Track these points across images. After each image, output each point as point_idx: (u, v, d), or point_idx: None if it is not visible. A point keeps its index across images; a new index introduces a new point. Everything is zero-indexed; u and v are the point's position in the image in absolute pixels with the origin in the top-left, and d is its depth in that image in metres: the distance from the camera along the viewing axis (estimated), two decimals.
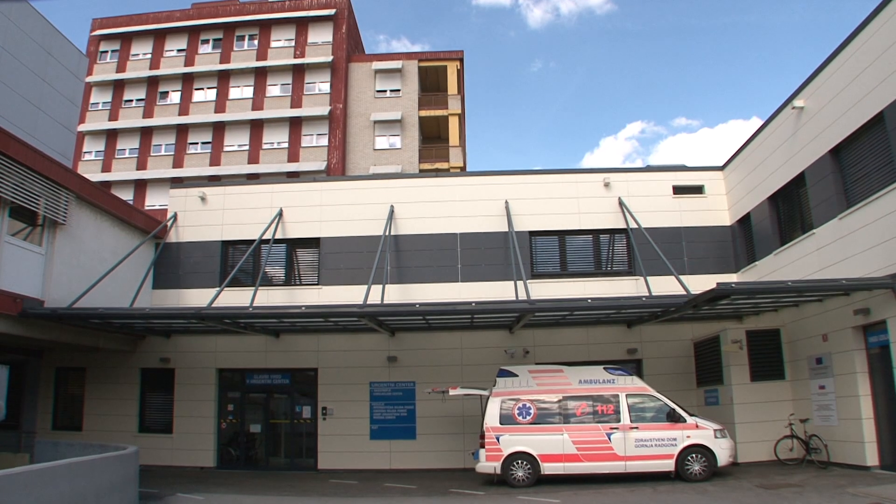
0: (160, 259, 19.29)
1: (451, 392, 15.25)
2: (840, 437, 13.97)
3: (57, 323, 15.45)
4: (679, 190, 19.36)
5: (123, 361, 19.08)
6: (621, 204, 18.93)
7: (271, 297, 18.66)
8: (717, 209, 19.26)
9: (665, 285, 17.22)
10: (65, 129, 18.30)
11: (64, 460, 9.19)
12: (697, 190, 19.43)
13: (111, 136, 38.47)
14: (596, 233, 19.14)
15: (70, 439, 16.26)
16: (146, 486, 13.20)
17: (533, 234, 19.02)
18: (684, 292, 15.62)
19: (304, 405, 18.61)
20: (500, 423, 14.21)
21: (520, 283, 16.55)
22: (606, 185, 19.20)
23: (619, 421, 13.90)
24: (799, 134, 15.53)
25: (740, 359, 16.14)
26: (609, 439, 13.75)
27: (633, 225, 18.42)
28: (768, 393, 15.91)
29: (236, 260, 19.16)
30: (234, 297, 17.90)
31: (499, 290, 17.85)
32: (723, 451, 13.63)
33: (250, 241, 18.89)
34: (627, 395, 14.14)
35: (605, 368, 14.81)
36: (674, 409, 13.91)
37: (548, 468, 13.85)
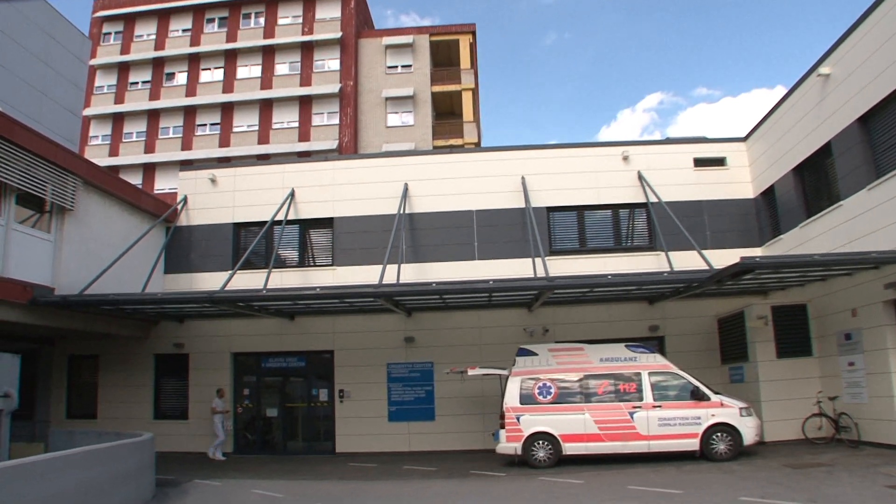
0: (171, 243, 19.34)
1: (470, 372, 15.27)
2: (871, 415, 13.78)
3: (68, 310, 15.53)
4: (700, 162, 19.09)
5: (137, 348, 19.23)
6: (641, 178, 18.73)
7: (285, 280, 18.68)
8: (739, 181, 18.98)
9: (687, 260, 17.07)
10: (70, 113, 18.33)
11: (79, 448, 9.23)
12: (719, 162, 19.16)
13: (117, 119, 38.50)
14: (615, 207, 18.98)
15: (85, 427, 16.40)
16: (163, 473, 13.32)
17: (550, 209, 18.91)
18: (707, 267, 15.48)
19: (320, 388, 18.69)
20: (521, 403, 14.20)
21: (538, 261, 16.48)
22: (625, 158, 19.00)
23: (641, 399, 13.84)
24: (825, 102, 15.19)
25: (766, 335, 15.96)
26: (632, 418, 13.70)
27: (653, 199, 18.23)
28: (795, 370, 15.73)
29: (248, 242, 19.17)
30: (248, 280, 17.91)
31: (516, 268, 17.78)
32: (749, 430, 13.52)
33: (262, 223, 18.88)
34: (650, 373, 14.07)
35: (626, 346, 14.73)
36: (698, 387, 13.81)
37: (569, 448, 13.84)
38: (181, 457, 17.36)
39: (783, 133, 17.14)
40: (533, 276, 16.24)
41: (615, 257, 18.35)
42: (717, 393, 14.01)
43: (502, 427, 14.24)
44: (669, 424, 13.60)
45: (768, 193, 18.18)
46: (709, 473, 12.04)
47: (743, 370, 16.52)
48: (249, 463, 16.83)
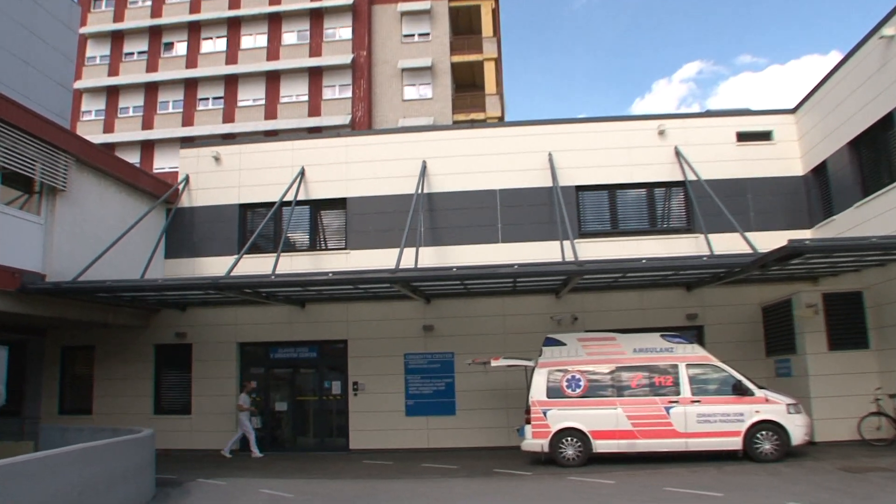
0: (172, 225, 19.43)
1: (494, 363, 15.28)
2: None
3: (60, 298, 15.60)
4: (744, 137, 18.82)
5: (135, 338, 19.37)
6: (678, 154, 18.52)
7: (295, 264, 18.73)
8: (787, 157, 18.67)
9: (728, 243, 16.90)
10: (59, 86, 18.21)
11: (72, 446, 9.19)
12: (765, 136, 18.86)
13: (112, 93, 38.60)
14: (650, 186, 18.83)
15: (79, 424, 16.51)
16: (164, 472, 13.44)
17: (580, 188, 18.79)
18: (751, 251, 15.28)
19: (333, 380, 18.76)
20: (548, 397, 14.22)
21: (566, 243, 16.39)
22: (661, 132, 18.82)
23: (678, 394, 13.77)
24: (887, 68, 14.79)
25: (816, 325, 15.74)
26: (668, 414, 13.65)
27: (691, 177, 18.02)
28: (850, 363, 15.49)
29: (256, 224, 19.23)
30: (255, 265, 17.96)
31: (543, 252, 17.69)
32: (797, 429, 13.37)
33: (270, 204, 18.89)
34: (688, 365, 13.98)
35: (662, 336, 14.67)
36: (740, 381, 13.69)
37: (600, 446, 13.83)
38: (184, 454, 17.52)
39: (838, 103, 16.77)
40: (561, 260, 16.17)
41: (650, 240, 18.24)
42: (761, 387, 13.86)
43: (528, 422, 14.26)
44: (709, 421, 13.49)
45: (819, 170, 17.84)
46: (753, 475, 11.93)
47: (790, 363, 16.32)
48: (257, 460, 16.98)
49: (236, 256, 17.57)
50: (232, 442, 17.74)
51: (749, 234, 16.40)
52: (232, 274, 16.34)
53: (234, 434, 17.89)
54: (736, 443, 13.39)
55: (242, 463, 16.42)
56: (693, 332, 17.39)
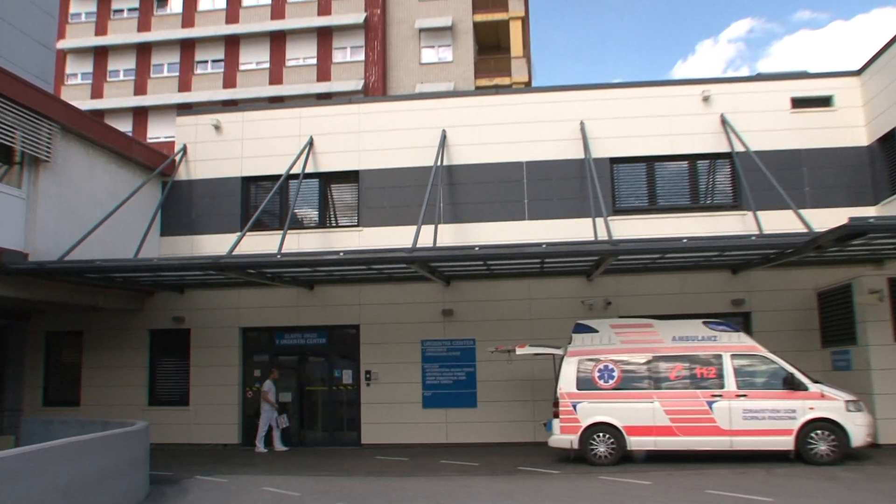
0: (169, 200, 19.48)
1: (519, 351, 15.26)
2: None
3: (45, 279, 15.64)
4: (800, 103, 18.49)
5: (128, 323, 19.49)
6: (724, 122, 18.28)
7: (303, 243, 18.80)
8: (850, 125, 18.33)
9: (780, 221, 16.71)
10: (40, 45, 17.93)
11: (58, 441, 9.14)
12: (824, 102, 18.53)
13: (100, 54, 38.56)
14: (692, 158, 18.65)
15: (65, 416, 16.61)
16: (159, 468, 13.53)
17: (614, 161, 18.66)
18: (805, 229, 15.10)
19: (343, 369, 18.86)
20: (578, 388, 14.20)
21: (599, 221, 16.30)
22: (706, 99, 18.59)
23: (722, 387, 13.67)
24: None
25: (880, 313, 15.46)
26: (710, 409, 13.55)
27: (739, 148, 17.80)
28: None
29: (260, 199, 19.27)
30: (259, 243, 18.02)
31: (574, 230, 17.64)
32: (858, 429, 13.18)
33: (276, 177, 18.90)
34: (733, 356, 13.87)
35: (704, 323, 14.55)
36: (792, 374, 13.53)
37: (635, 443, 13.82)
38: (181, 449, 17.69)
39: None
40: (593, 239, 16.11)
41: (692, 217, 18.06)
42: (816, 382, 13.69)
43: (556, 416, 14.25)
44: (757, 418, 13.37)
45: (887, 140, 17.47)
46: (806, 479, 11.81)
47: (849, 355, 16.09)
48: (260, 456, 17.14)
49: (239, 234, 17.58)
50: (261, 434, 17.87)
51: (804, 212, 16.18)
52: (234, 253, 16.35)
53: (261, 426, 17.94)
54: (787, 442, 13.25)
55: (246, 459, 16.55)
56: (739, 320, 17.24)
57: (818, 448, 13.15)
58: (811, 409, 13.25)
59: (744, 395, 13.51)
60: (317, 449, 18.02)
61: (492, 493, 11.73)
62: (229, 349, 19.08)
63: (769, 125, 18.28)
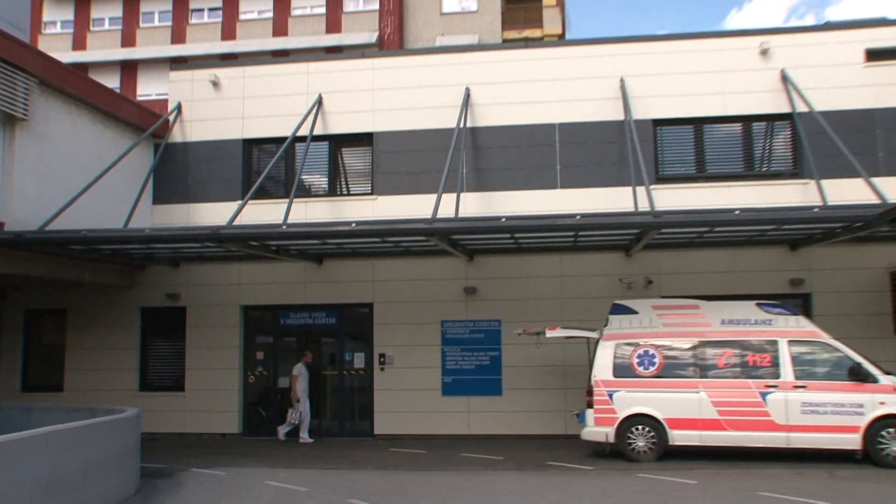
0: (162, 165, 19.47)
1: (549, 333, 15.20)
2: None
3: (24, 251, 15.62)
4: (875, 55, 18.04)
5: (117, 300, 19.54)
6: (785, 79, 17.97)
7: (311, 212, 18.81)
8: None
9: (848, 191, 16.49)
10: None
11: (38, 430, 9.10)
12: None
13: (82, 0, 38.28)
14: (747, 120, 18.40)
15: (47, 403, 16.69)
16: (151, 460, 13.61)
17: (658, 123, 18.48)
18: (878, 200, 14.85)
19: (355, 352, 18.91)
20: (615, 376, 14.20)
21: (640, 190, 16.17)
22: (763, 52, 18.27)
23: (778, 376, 13.56)
24: None
25: None
26: (764, 401, 13.46)
27: (801, 108, 17.49)
28: None
29: (263, 164, 19.22)
30: (262, 213, 18.01)
31: (612, 199, 17.56)
32: None
33: (281, 139, 18.80)
34: (790, 342, 13.75)
35: (758, 305, 14.45)
36: (859, 364, 13.36)
37: (678, 437, 13.79)
38: (175, 439, 17.84)
39: None
40: (633, 209, 15.93)
41: (745, 186, 17.83)
42: (888, 373, 13.49)
43: (590, 406, 14.28)
44: (817, 412, 13.24)
45: None
46: (875, 484, 11.64)
47: None
48: (262, 447, 17.17)
49: (240, 202, 17.54)
50: (305, 424, 17.90)
51: (876, 180, 15.93)
52: (235, 223, 16.34)
53: (294, 413, 17.92)
54: (853, 441, 13.09)
55: (245, 449, 16.65)
56: (798, 302, 17.10)
57: (891, 449, 12.97)
58: (882, 403, 13.06)
59: (802, 387, 13.38)
60: (325, 439, 18.10)
61: (518, 489, 11.71)
62: (229, 329, 19.12)
63: (838, 81, 17.91)
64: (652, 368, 14.08)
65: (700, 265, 17.84)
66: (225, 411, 18.72)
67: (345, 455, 15.47)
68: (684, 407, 13.72)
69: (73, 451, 9.60)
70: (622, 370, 14.15)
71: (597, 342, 14.67)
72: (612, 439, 13.96)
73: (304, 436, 17.81)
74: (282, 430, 17.94)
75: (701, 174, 18.39)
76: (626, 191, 16.88)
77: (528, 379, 17.91)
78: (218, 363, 18.89)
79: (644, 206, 15.72)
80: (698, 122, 18.48)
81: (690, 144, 18.58)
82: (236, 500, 11.31)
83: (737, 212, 14.26)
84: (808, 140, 17.13)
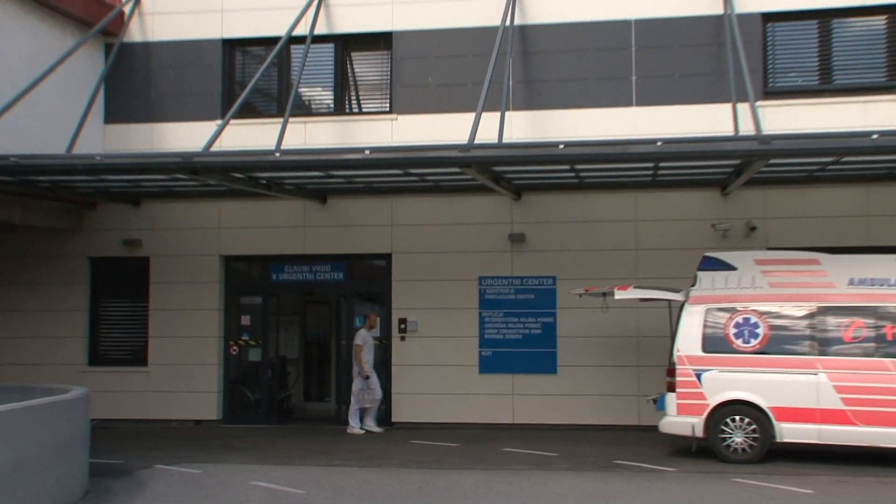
0: (116, 72, 19.33)
1: (619, 294, 15.28)
2: None
3: None
4: None
5: (59, 248, 19.58)
6: None
7: (312, 136, 18.73)
8: None
9: None
10: None
11: None
12: None
13: None
14: (891, 11, 17.94)
15: None
16: (104, 455, 13.62)
17: (769, 18, 18.17)
18: None
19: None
20: (704, 351, 14.12)
21: (742, 107, 15.94)
22: None
23: None
24: None
25: None
26: None
27: None
28: None
29: (250, 72, 19.22)
30: (249, 136, 18.01)
31: (704, 120, 17.34)
32: None
33: (273, 40, 18.65)
34: None
35: None
36: None
37: (788, 432, 13.62)
38: (136, 427, 18.06)
39: None
40: (733, 133, 15.78)
41: (886, 101, 17.45)
42: None
43: (671, 390, 14.28)
44: None
45: None
46: None
47: None
48: (248, 437, 17.32)
49: (220, 122, 17.49)
50: (373, 410, 17.91)
51: None
52: (213, 149, 16.33)
53: (364, 392, 17.92)
54: None
55: (226, 440, 16.74)
56: None
57: None
58: None
59: None
60: (328, 427, 18.33)
61: (577, 495, 11.65)
62: (206, 286, 19.19)
63: None
64: (754, 342, 13.91)
65: (821, 207, 17.64)
66: (200, 392, 18.85)
67: (353, 448, 15.53)
68: (797, 393, 13.53)
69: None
70: (715, 343, 14.05)
71: (681, 307, 14.60)
72: (700, 433, 13.87)
73: (371, 423, 17.77)
74: (353, 419, 17.70)
75: (826, 86, 18.16)
76: (725, 109, 16.73)
77: (591, 353, 17.92)
78: (191, 330, 18.94)
79: (748, 128, 15.57)
80: (824, 16, 18.18)
81: (813, 46, 18.42)
82: None
83: (875, 136, 13.81)
84: None
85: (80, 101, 18.11)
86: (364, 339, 17.76)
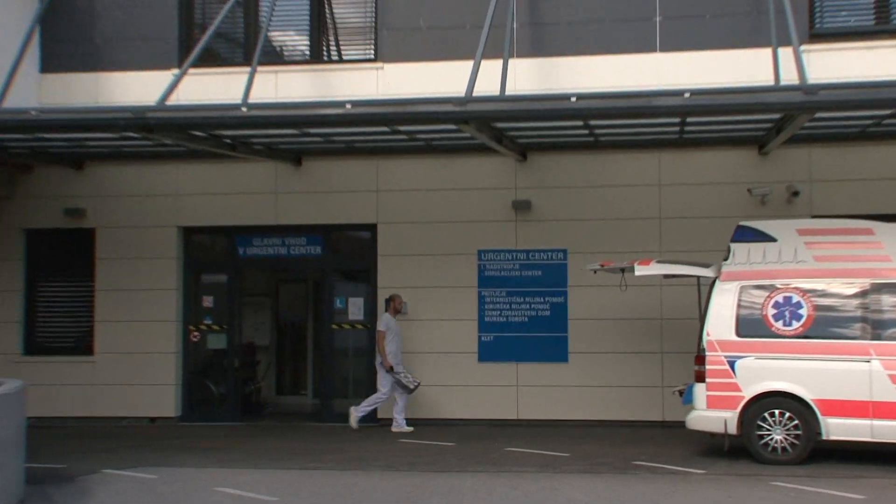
0: (54, 13, 19.10)
1: (640, 270, 15.24)
2: None
3: None
4: None
5: None
6: None
7: (284, 87, 18.77)
8: None
9: None
10: None
11: None
12: None
13: None
14: None
15: None
16: (43, 458, 13.62)
17: None
18: None
19: (349, 296, 19.08)
20: (739, 335, 14.05)
21: (784, 53, 15.64)
22: None
23: None
24: None
25: None
26: None
27: None
28: None
29: (211, 14, 19.12)
30: (211, 87, 18.03)
31: (739, 68, 17.20)
32: None
33: None
34: None
35: None
36: None
37: (835, 428, 13.50)
38: (81, 426, 18.17)
39: None
40: (773, 83, 15.49)
41: None
42: None
43: (700, 380, 14.22)
44: None
45: None
46: None
47: None
48: (214, 435, 17.40)
49: (177, 71, 17.45)
50: (380, 399, 17.75)
51: None
52: (169, 103, 16.24)
53: (380, 389, 17.88)
54: None
55: (186, 440, 16.79)
56: None
57: None
58: None
59: None
60: (305, 425, 18.52)
61: (591, 500, 11.65)
62: (161, 263, 19.27)
63: None
64: (796, 324, 13.79)
65: (875, 169, 17.61)
66: (155, 385, 18.86)
67: (334, 449, 15.55)
68: (846, 383, 13.41)
69: None
70: (751, 326, 13.97)
71: (711, 284, 14.54)
72: (733, 429, 13.79)
73: (400, 422, 17.60)
74: (399, 416, 17.68)
75: (882, 27, 18.13)
76: (764, 54, 16.45)
77: (607, 338, 18.01)
78: (144, 313, 18.93)
79: (790, 77, 15.24)
80: None
81: None
82: None
83: None
84: None
85: (11, 48, 17.86)
86: (388, 325, 17.61)
